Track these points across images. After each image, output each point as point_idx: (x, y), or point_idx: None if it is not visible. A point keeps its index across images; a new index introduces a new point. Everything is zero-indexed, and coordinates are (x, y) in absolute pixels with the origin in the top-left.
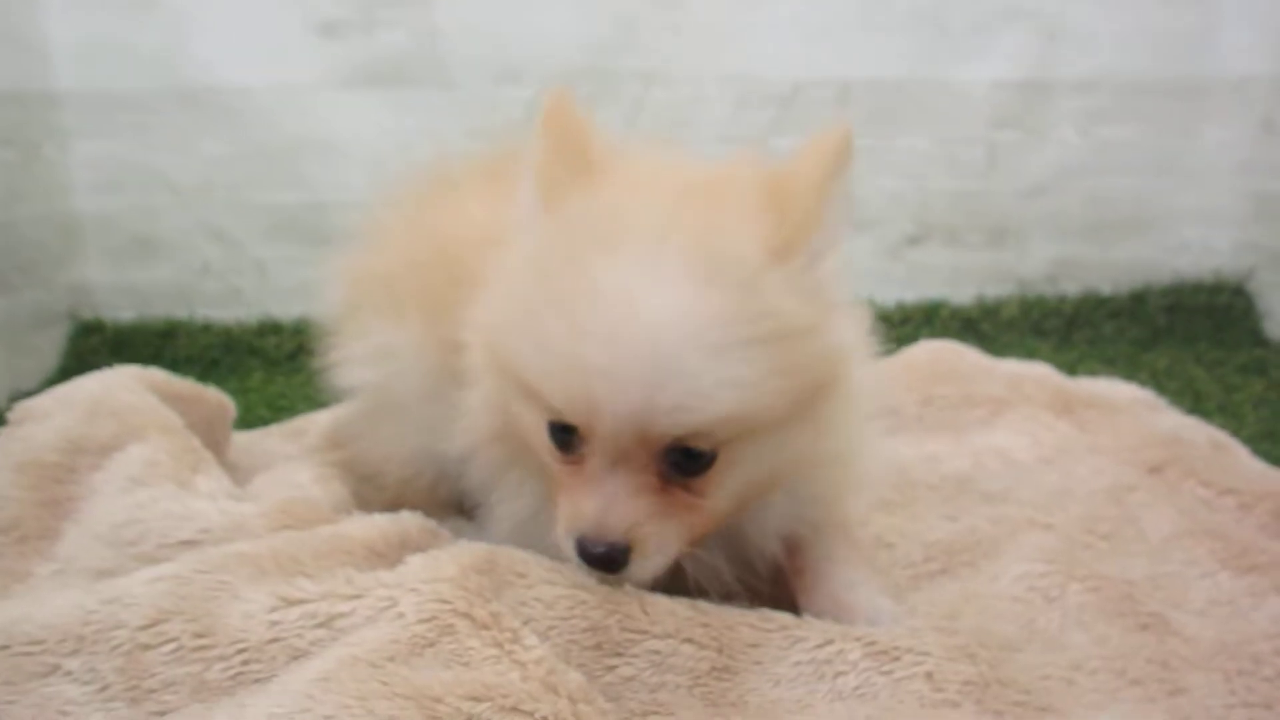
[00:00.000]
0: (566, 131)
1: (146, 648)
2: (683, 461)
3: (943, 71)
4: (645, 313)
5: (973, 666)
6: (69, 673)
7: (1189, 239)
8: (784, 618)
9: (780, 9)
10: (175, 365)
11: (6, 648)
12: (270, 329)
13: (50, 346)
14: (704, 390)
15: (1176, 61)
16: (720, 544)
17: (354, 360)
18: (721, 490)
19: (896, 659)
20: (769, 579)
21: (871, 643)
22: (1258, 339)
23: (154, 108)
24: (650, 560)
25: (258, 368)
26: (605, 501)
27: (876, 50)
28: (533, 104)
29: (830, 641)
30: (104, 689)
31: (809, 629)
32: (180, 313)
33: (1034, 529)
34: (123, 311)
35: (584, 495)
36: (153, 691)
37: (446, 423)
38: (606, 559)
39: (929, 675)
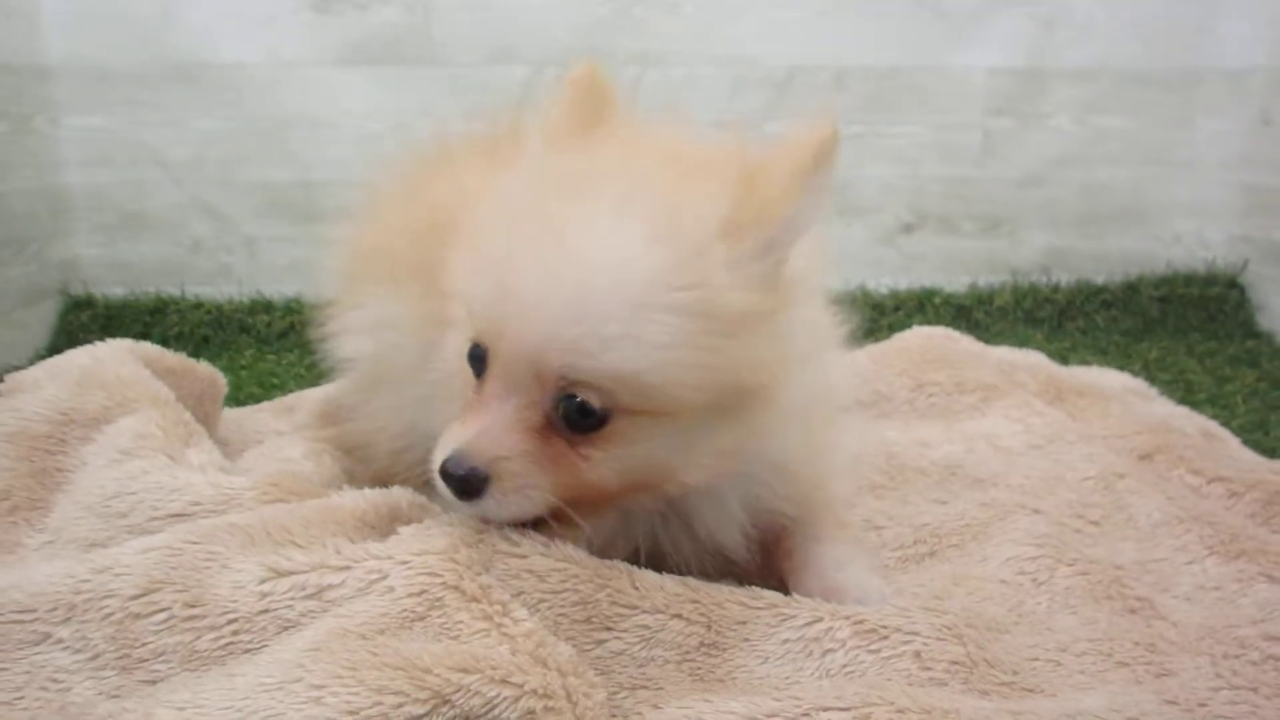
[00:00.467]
0: (587, 93)
1: (138, 617)
2: (573, 415)
3: (939, 58)
4: (578, 250)
5: (960, 647)
6: (60, 641)
7: (1183, 231)
8: (773, 596)
9: None
10: (166, 342)
11: None
12: (261, 307)
13: (41, 322)
14: (607, 338)
15: (1174, 52)
16: (684, 534)
17: (352, 330)
18: (608, 459)
19: (885, 638)
20: (753, 566)
21: (860, 621)
22: (1250, 331)
23: (146, 82)
24: (509, 499)
25: (249, 345)
26: (482, 428)
27: (873, 36)
28: (527, 83)
29: (819, 619)
30: (95, 657)
31: (798, 607)
32: (171, 289)
33: (1023, 514)
34: (113, 287)
35: (468, 419)
36: (144, 660)
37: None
38: (463, 482)
39: (917, 654)
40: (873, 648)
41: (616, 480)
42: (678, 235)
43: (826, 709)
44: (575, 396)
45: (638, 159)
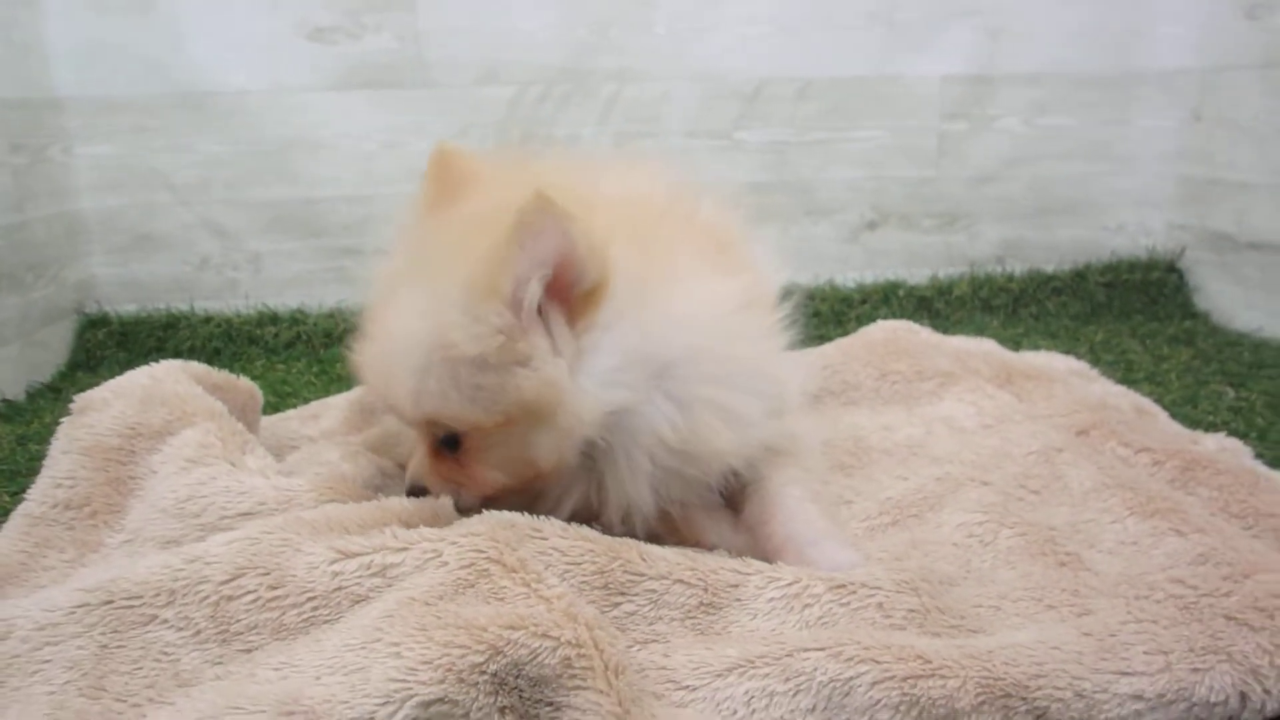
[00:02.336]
0: (443, 172)
1: (230, 599)
2: (442, 442)
3: (895, 68)
4: (388, 333)
5: (916, 598)
6: (166, 621)
7: (1125, 221)
8: (761, 564)
9: (744, 11)
10: (179, 355)
11: (110, 602)
12: (268, 319)
13: (59, 340)
14: (412, 395)
15: (1111, 57)
16: (607, 497)
17: None
18: (481, 464)
19: (853, 593)
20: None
21: (833, 580)
22: (1188, 312)
23: (153, 111)
24: (445, 497)
25: (258, 356)
26: (415, 460)
27: (833, 50)
28: (513, 102)
29: (799, 580)
30: (197, 633)
31: (782, 571)
32: (181, 305)
33: (974, 486)
34: (126, 305)
35: (415, 453)
36: (239, 634)
37: None
38: (415, 492)
39: (880, 605)
40: (843, 601)
41: (500, 476)
42: (439, 306)
43: (806, 650)
44: (434, 431)
45: (443, 237)
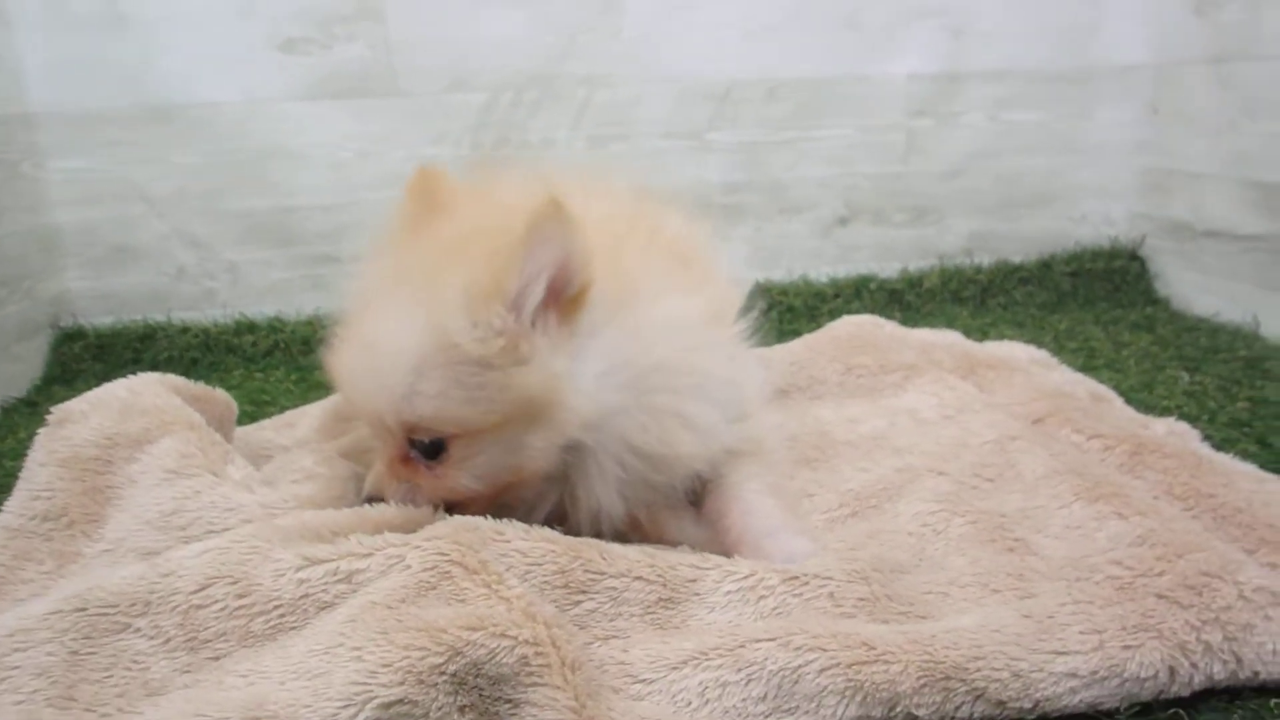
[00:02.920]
0: (422, 194)
1: (199, 608)
2: (422, 447)
3: (862, 68)
4: (375, 338)
5: (866, 586)
6: (138, 630)
7: (1088, 211)
8: (719, 559)
9: (713, 15)
10: (155, 367)
11: (83, 610)
12: (246, 328)
13: (35, 354)
14: (402, 400)
15: (1071, 52)
16: (576, 499)
17: None
18: (460, 472)
19: (806, 584)
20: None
21: (787, 572)
22: (1150, 299)
23: (126, 124)
24: (406, 505)
25: (236, 365)
26: (375, 472)
27: (802, 50)
28: (484, 109)
29: (755, 573)
30: (167, 641)
31: (738, 565)
32: (158, 316)
33: (931, 476)
34: (102, 317)
35: (376, 464)
36: (208, 641)
37: None
38: (371, 501)
39: (831, 594)
40: (797, 592)
41: (478, 483)
42: (437, 311)
43: (757, 640)
44: (416, 437)
45: (437, 246)
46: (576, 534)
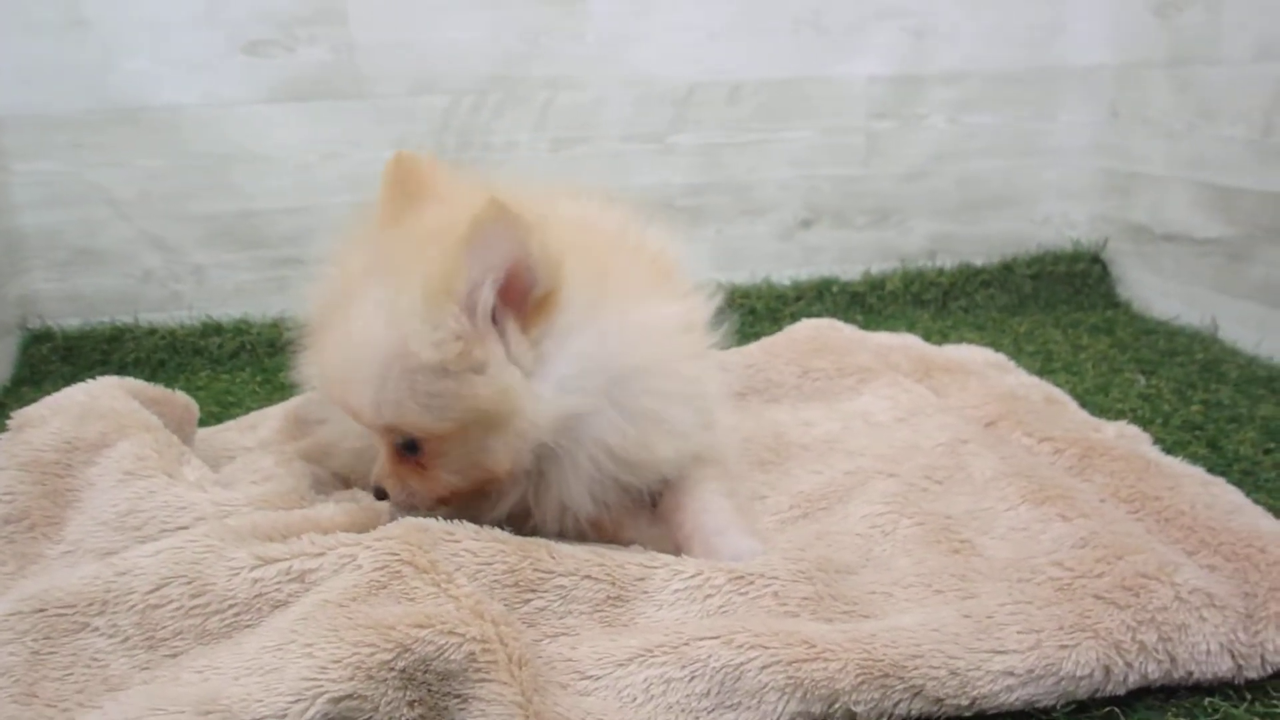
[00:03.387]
0: (398, 180)
1: (156, 607)
2: (402, 447)
3: (823, 70)
4: (346, 339)
5: (810, 586)
6: (96, 629)
7: (1050, 213)
8: (666, 557)
9: (674, 17)
10: (123, 368)
11: (43, 610)
12: (212, 330)
13: (3, 356)
14: (372, 403)
15: (1032, 54)
16: (545, 497)
17: None
18: (440, 468)
19: (751, 583)
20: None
21: (733, 571)
22: (1111, 301)
23: (91, 127)
24: (401, 499)
25: (203, 367)
26: (379, 464)
27: (763, 52)
28: (447, 111)
29: (701, 572)
30: (125, 640)
31: (685, 564)
32: (125, 318)
33: (881, 478)
34: (70, 319)
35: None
36: (165, 640)
37: None
38: (376, 493)
39: (775, 594)
40: (742, 591)
41: (456, 479)
42: (397, 315)
43: (701, 638)
44: (392, 438)
45: (409, 243)
46: (541, 529)
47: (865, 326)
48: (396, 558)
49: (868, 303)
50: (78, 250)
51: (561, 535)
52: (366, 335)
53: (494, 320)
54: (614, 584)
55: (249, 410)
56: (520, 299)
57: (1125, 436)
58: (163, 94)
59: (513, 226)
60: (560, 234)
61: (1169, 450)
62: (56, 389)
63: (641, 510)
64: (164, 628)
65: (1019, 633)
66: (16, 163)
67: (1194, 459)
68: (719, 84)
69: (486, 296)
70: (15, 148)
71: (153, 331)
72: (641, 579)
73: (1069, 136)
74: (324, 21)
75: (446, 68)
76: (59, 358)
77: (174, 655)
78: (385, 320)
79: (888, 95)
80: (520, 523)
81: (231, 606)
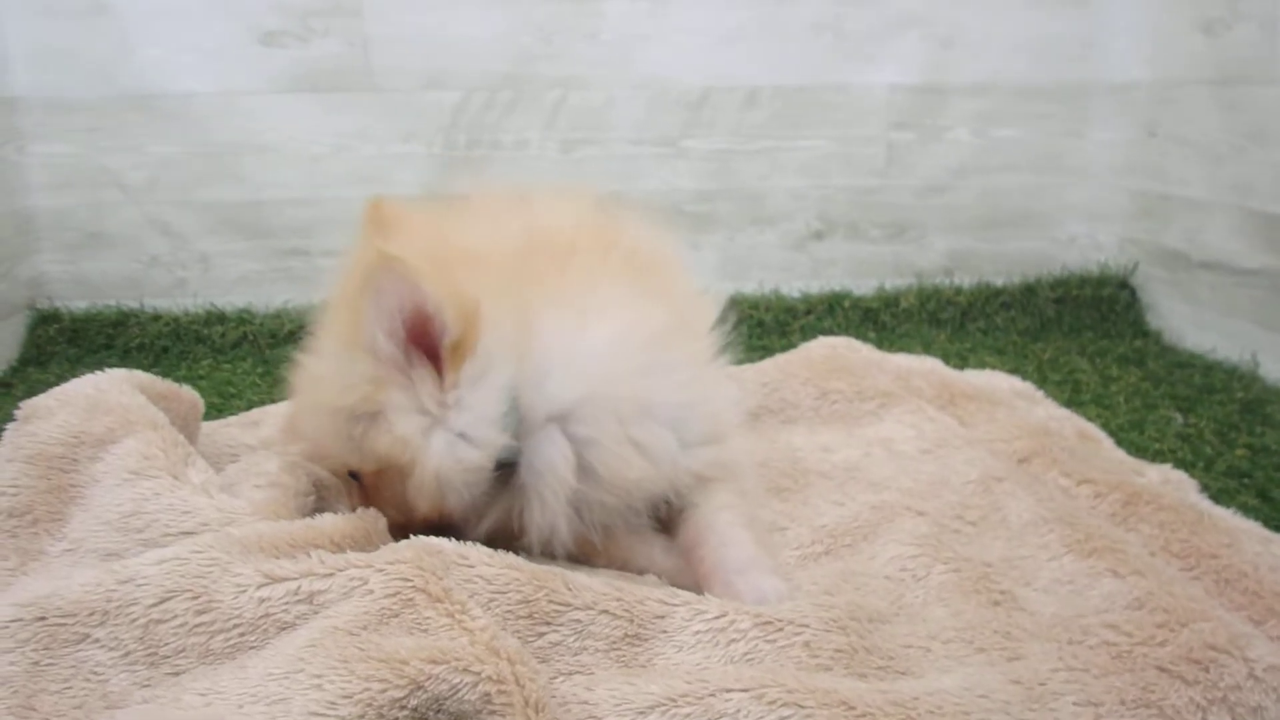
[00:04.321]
0: (375, 222)
1: (159, 622)
2: (351, 473)
3: (842, 77)
4: (299, 374)
5: (844, 637)
6: (97, 640)
7: (1076, 234)
8: (687, 595)
9: (690, 19)
10: (127, 353)
11: (43, 619)
12: (216, 318)
13: (11, 335)
14: (309, 437)
15: (1062, 68)
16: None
17: None
18: (379, 499)
19: (780, 630)
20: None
21: (760, 616)
22: (1140, 330)
23: (106, 112)
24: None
25: (205, 355)
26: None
27: (780, 57)
28: (458, 107)
29: (725, 614)
30: (127, 654)
31: (708, 604)
32: (131, 303)
33: (909, 515)
34: (77, 302)
35: None
36: (167, 657)
37: None
38: None
39: (807, 644)
40: (770, 638)
41: (393, 513)
42: (323, 357)
43: (729, 690)
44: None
45: (346, 290)
46: (530, 554)
47: (878, 344)
48: (409, 584)
49: (881, 319)
50: (87, 233)
51: (550, 556)
52: (308, 371)
53: (409, 367)
54: (632, 620)
55: (249, 402)
56: (434, 346)
57: (1170, 482)
58: (178, 81)
59: (403, 277)
60: (475, 270)
61: (1215, 499)
62: (61, 370)
63: (652, 538)
64: (166, 644)
65: (1075, 705)
66: (33, 144)
67: (1244, 510)
68: (735, 88)
69: (384, 344)
70: (31, 129)
71: (157, 317)
72: (661, 617)
73: (1099, 154)
74: (339, 14)
75: (459, 64)
76: (65, 339)
77: (175, 674)
78: (317, 359)
79: (909, 105)
80: (508, 541)
81: (237, 626)
